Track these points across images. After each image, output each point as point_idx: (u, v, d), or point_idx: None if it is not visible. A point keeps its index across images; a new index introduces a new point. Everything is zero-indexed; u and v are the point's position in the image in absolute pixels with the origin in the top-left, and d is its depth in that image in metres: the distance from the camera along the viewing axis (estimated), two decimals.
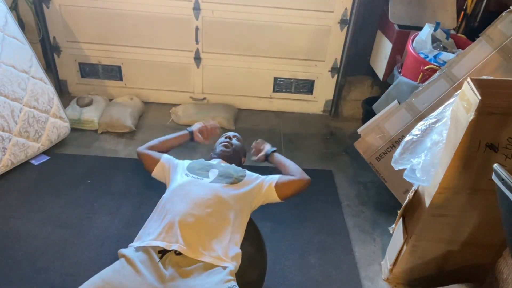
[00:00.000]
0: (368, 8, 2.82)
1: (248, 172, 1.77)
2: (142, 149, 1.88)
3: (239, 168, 1.79)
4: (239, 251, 1.50)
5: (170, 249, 1.38)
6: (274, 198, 1.74)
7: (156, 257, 1.37)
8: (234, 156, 1.90)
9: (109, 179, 2.40)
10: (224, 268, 1.38)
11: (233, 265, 1.42)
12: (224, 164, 1.80)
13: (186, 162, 1.78)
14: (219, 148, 1.90)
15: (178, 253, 1.38)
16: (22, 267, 1.84)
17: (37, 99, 2.49)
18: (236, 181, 1.66)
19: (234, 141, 1.96)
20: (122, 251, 1.42)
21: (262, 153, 1.99)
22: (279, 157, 1.94)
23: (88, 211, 2.17)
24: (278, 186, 1.73)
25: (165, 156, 1.85)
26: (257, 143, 2.08)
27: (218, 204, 1.52)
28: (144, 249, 1.40)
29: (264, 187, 1.73)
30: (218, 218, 1.50)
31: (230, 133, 2.03)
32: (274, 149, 1.98)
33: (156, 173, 1.83)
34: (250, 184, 1.70)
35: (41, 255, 1.90)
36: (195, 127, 2.02)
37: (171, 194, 1.58)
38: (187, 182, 1.62)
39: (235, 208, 1.56)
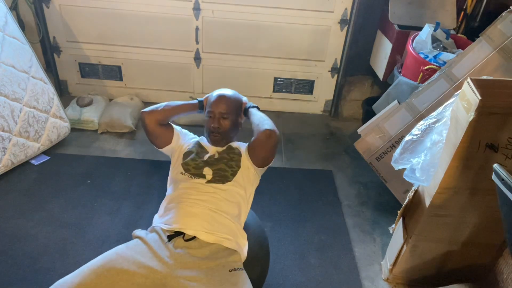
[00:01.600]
0: (368, 8, 2.82)
1: (242, 148, 1.66)
2: (149, 115, 1.66)
3: (234, 155, 1.64)
4: (246, 242, 1.55)
5: (178, 230, 1.44)
6: (252, 167, 1.63)
7: (165, 238, 1.43)
8: (226, 135, 1.68)
9: (109, 179, 2.40)
10: (232, 251, 1.45)
11: (240, 253, 1.48)
12: (218, 154, 1.66)
13: (183, 151, 1.69)
14: (207, 136, 1.70)
15: (186, 240, 1.43)
16: (22, 267, 1.84)
17: (37, 99, 2.49)
18: (231, 177, 1.59)
19: (222, 124, 1.66)
20: (136, 232, 1.50)
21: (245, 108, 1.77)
22: (253, 115, 1.70)
23: (88, 211, 2.17)
24: (248, 151, 1.63)
25: (176, 130, 1.74)
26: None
27: (218, 202, 1.54)
28: (156, 231, 1.47)
29: (246, 164, 1.63)
30: (222, 211, 1.52)
31: (216, 110, 1.66)
32: (252, 104, 1.77)
33: (166, 150, 1.73)
34: (245, 167, 1.63)
35: (41, 255, 1.90)
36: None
37: (170, 199, 1.60)
38: (183, 186, 1.59)
39: (236, 199, 1.58)
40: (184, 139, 1.77)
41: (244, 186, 1.62)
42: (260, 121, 1.64)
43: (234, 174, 1.61)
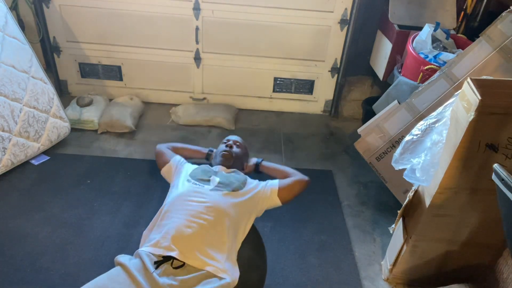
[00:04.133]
0: (368, 8, 2.82)
1: (249, 180, 1.77)
2: (161, 146, 2.03)
3: (241, 176, 1.77)
4: (237, 269, 1.49)
5: (167, 254, 1.38)
6: (276, 203, 1.75)
7: (151, 267, 1.36)
8: (235, 164, 1.87)
9: (109, 179, 2.40)
10: (220, 278, 1.38)
11: (230, 279, 1.40)
12: (225, 172, 1.79)
13: (191, 168, 1.81)
14: (219, 157, 1.87)
15: (174, 267, 1.37)
16: (22, 267, 1.84)
17: (37, 99, 2.49)
18: (236, 189, 1.66)
19: (234, 148, 1.91)
20: (119, 258, 1.42)
21: (250, 164, 2.01)
22: (270, 164, 1.97)
23: (88, 211, 2.17)
24: (281, 190, 1.75)
25: (177, 158, 1.92)
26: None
27: (216, 213, 1.51)
28: (141, 258, 1.40)
29: (265, 193, 1.73)
30: (215, 229, 1.49)
31: (231, 139, 1.98)
32: (261, 159, 2.02)
33: (163, 171, 1.91)
34: (250, 192, 1.70)
35: (41, 255, 1.90)
36: (218, 149, 2.00)
37: (170, 206, 1.57)
38: (186, 190, 1.61)
39: (233, 217, 1.55)
40: (178, 163, 1.91)
41: (245, 205, 1.64)
42: (288, 170, 1.88)
43: (240, 188, 1.68)
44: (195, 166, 1.84)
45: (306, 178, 1.82)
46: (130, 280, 1.32)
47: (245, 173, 1.88)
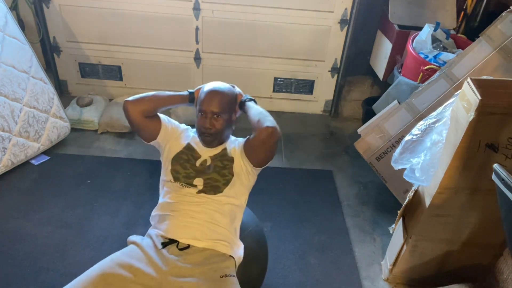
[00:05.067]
0: (368, 8, 2.82)
1: (237, 149, 1.56)
2: (136, 110, 1.52)
3: (227, 163, 1.54)
4: (242, 246, 1.53)
5: (178, 239, 1.43)
6: (249, 167, 1.53)
7: (159, 244, 1.43)
8: (219, 135, 1.55)
9: (109, 179, 2.40)
10: (226, 256, 1.44)
11: (235, 256, 1.47)
12: (209, 160, 1.55)
13: (172, 153, 1.57)
14: (199, 136, 1.58)
15: (180, 249, 1.42)
16: (22, 267, 1.84)
17: (37, 99, 2.49)
18: (224, 187, 1.51)
19: (214, 124, 1.52)
20: (131, 238, 1.49)
21: (238, 102, 1.65)
22: (251, 109, 1.56)
23: (88, 211, 2.17)
24: (245, 149, 1.53)
25: (164, 124, 1.60)
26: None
27: (211, 212, 1.50)
28: (150, 237, 1.47)
29: (240, 164, 1.53)
30: (215, 219, 1.49)
31: (207, 109, 1.51)
32: (249, 97, 1.64)
33: (153, 143, 1.62)
34: (239, 173, 1.54)
35: (41, 255, 1.90)
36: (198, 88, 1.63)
37: (163, 207, 1.53)
38: (175, 197, 1.51)
39: (229, 209, 1.53)
40: (173, 133, 1.62)
41: (237, 195, 1.54)
42: (260, 117, 1.48)
43: (227, 183, 1.51)
44: (174, 147, 1.59)
45: (270, 124, 1.43)
46: (143, 254, 1.39)
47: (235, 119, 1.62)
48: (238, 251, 1.51)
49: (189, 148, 1.58)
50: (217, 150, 1.57)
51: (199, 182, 1.52)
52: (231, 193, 1.52)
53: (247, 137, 1.58)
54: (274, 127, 1.44)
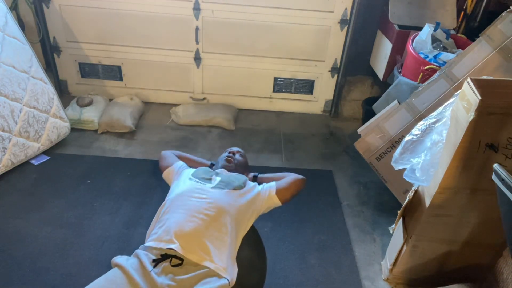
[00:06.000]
0: (368, 8, 2.82)
1: (248, 181, 1.80)
2: (166, 151, 2.04)
3: (241, 176, 1.80)
4: (236, 269, 1.50)
5: (167, 247, 1.39)
6: (276, 203, 1.76)
7: (149, 266, 1.36)
8: (237, 168, 1.91)
9: (109, 179, 2.40)
10: (220, 277, 1.38)
11: (229, 278, 1.40)
12: (226, 173, 1.81)
13: (192, 170, 1.84)
14: (221, 162, 1.91)
15: (173, 265, 1.38)
16: (22, 267, 1.84)
17: (37, 99, 2.49)
18: (237, 188, 1.68)
19: (237, 156, 1.96)
20: (115, 260, 1.41)
21: (249, 176, 1.96)
22: (267, 174, 1.96)
23: (88, 211, 2.17)
24: (279, 190, 1.76)
25: (180, 162, 1.94)
26: None
27: (217, 210, 1.52)
28: (138, 258, 1.40)
29: (265, 194, 1.75)
30: (216, 225, 1.49)
31: (234, 148, 2.03)
32: (258, 173, 1.99)
33: (165, 174, 1.90)
34: (251, 192, 1.71)
35: (41, 255, 1.90)
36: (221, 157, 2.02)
37: (172, 202, 1.58)
38: (188, 187, 1.63)
39: (234, 215, 1.55)
40: (180, 167, 1.90)
41: (247, 203, 1.65)
42: (284, 173, 1.88)
43: (240, 187, 1.70)
44: (197, 168, 1.87)
45: (301, 176, 1.85)
46: (128, 280, 1.31)
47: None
48: (233, 272, 1.46)
49: (206, 167, 1.88)
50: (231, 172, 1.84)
51: (216, 179, 1.70)
52: (242, 195, 1.65)
53: (273, 184, 1.81)
54: (303, 179, 1.84)
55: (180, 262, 1.38)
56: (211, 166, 2.01)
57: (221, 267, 1.41)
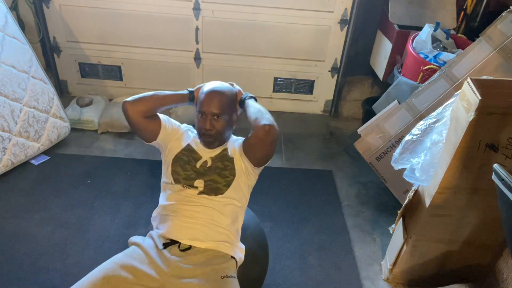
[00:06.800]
0: (368, 8, 2.82)
1: (236, 149, 1.55)
2: (136, 111, 1.52)
3: (228, 163, 1.53)
4: (243, 247, 1.53)
5: (179, 240, 1.43)
6: (249, 167, 1.52)
7: (160, 245, 1.42)
8: (220, 136, 1.53)
9: (109, 179, 2.40)
10: (228, 257, 1.44)
11: (236, 257, 1.47)
12: (210, 162, 1.53)
13: (172, 154, 1.56)
14: (199, 138, 1.55)
15: (182, 249, 1.42)
16: (22, 267, 1.84)
17: (37, 99, 2.49)
18: (225, 188, 1.50)
19: (214, 125, 1.50)
20: (132, 239, 1.48)
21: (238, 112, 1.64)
22: (250, 107, 1.54)
23: (88, 211, 2.17)
24: (244, 149, 1.51)
25: (164, 123, 1.58)
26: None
27: (212, 212, 1.50)
28: (152, 238, 1.47)
29: (241, 166, 1.52)
30: (216, 220, 1.49)
31: (207, 110, 1.49)
32: (249, 95, 1.62)
33: (153, 144, 1.62)
34: (239, 174, 1.53)
35: (41, 255, 1.90)
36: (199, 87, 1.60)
37: (166, 207, 1.52)
38: (176, 198, 1.51)
39: (230, 207, 1.53)
40: (173, 133, 1.60)
41: (238, 195, 1.53)
42: (258, 115, 1.47)
43: (228, 184, 1.50)
44: (174, 148, 1.58)
45: (267, 122, 1.43)
46: (145, 256, 1.39)
47: (235, 119, 1.60)
48: (239, 252, 1.51)
49: (189, 149, 1.56)
50: (218, 151, 1.56)
51: (199, 183, 1.50)
52: (232, 194, 1.51)
53: (240, 141, 1.58)
54: (271, 125, 1.43)
55: (188, 246, 1.43)
56: (192, 96, 1.58)
57: (227, 247, 1.45)
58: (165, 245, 1.42)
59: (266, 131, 1.43)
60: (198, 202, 1.50)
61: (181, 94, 1.59)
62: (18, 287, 1.76)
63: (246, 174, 1.54)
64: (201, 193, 1.50)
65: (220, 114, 1.49)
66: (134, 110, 1.50)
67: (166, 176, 1.59)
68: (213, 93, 1.51)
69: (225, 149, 1.56)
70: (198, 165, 1.53)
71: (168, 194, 1.56)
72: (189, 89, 1.60)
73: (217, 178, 1.51)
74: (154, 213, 1.57)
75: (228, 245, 1.46)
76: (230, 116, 1.55)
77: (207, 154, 1.55)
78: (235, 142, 1.60)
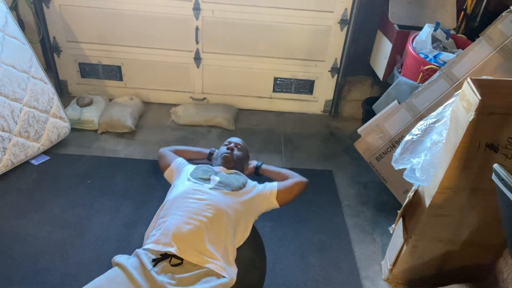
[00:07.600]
0: (368, 8, 2.82)
1: (249, 181, 1.78)
2: (163, 149, 2.04)
3: (241, 177, 1.77)
4: (236, 268, 1.50)
5: (166, 250, 1.39)
6: (273, 205, 1.76)
7: (149, 265, 1.36)
8: (236, 167, 1.86)
9: (109, 179, 2.40)
10: (219, 277, 1.38)
11: (228, 277, 1.40)
12: (226, 173, 1.78)
13: (191, 168, 1.81)
14: (220, 159, 1.87)
15: (173, 265, 1.38)
16: (22, 267, 1.84)
17: (37, 99, 2.49)
18: (236, 189, 1.66)
19: (235, 151, 1.90)
20: (116, 259, 1.41)
21: (250, 166, 2.02)
22: (270, 167, 1.99)
23: (88, 211, 2.17)
24: (280, 192, 1.75)
25: (178, 160, 1.93)
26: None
27: (215, 211, 1.51)
28: (138, 257, 1.40)
29: (265, 194, 1.74)
30: (214, 227, 1.49)
31: (233, 141, 1.98)
32: (261, 162, 2.02)
33: (166, 174, 1.92)
34: (250, 193, 1.69)
35: (41, 255, 1.90)
36: (219, 151, 1.98)
37: (170, 204, 1.57)
38: (187, 189, 1.61)
39: (232, 217, 1.55)
40: (180, 165, 1.90)
41: (247, 203, 1.65)
42: (288, 172, 1.89)
43: (239, 188, 1.68)
44: (195, 166, 1.84)
45: (305, 179, 1.83)
46: (128, 279, 1.31)
47: (246, 175, 1.88)
48: (232, 272, 1.46)
49: (206, 166, 1.83)
50: (232, 171, 1.82)
51: (214, 180, 1.68)
52: (241, 195, 1.63)
53: (275, 184, 1.80)
54: (307, 182, 1.83)
55: (179, 261, 1.38)
56: (211, 155, 2.01)
57: (220, 267, 1.40)
58: (155, 261, 1.37)
59: (307, 185, 1.84)
60: (208, 196, 1.56)
61: (204, 152, 2.08)
62: (18, 287, 1.76)
63: (258, 204, 1.72)
64: (213, 188, 1.62)
65: (241, 149, 1.94)
66: (161, 157, 2.02)
67: (179, 180, 1.74)
68: (235, 137, 2.04)
69: (238, 172, 1.83)
70: (216, 170, 1.79)
71: (176, 193, 1.61)
72: (213, 148, 2.07)
73: (233, 179, 1.72)
74: (148, 229, 1.58)
75: (221, 264, 1.41)
76: (244, 159, 1.95)
77: (222, 169, 1.81)
78: (253, 181, 1.81)
